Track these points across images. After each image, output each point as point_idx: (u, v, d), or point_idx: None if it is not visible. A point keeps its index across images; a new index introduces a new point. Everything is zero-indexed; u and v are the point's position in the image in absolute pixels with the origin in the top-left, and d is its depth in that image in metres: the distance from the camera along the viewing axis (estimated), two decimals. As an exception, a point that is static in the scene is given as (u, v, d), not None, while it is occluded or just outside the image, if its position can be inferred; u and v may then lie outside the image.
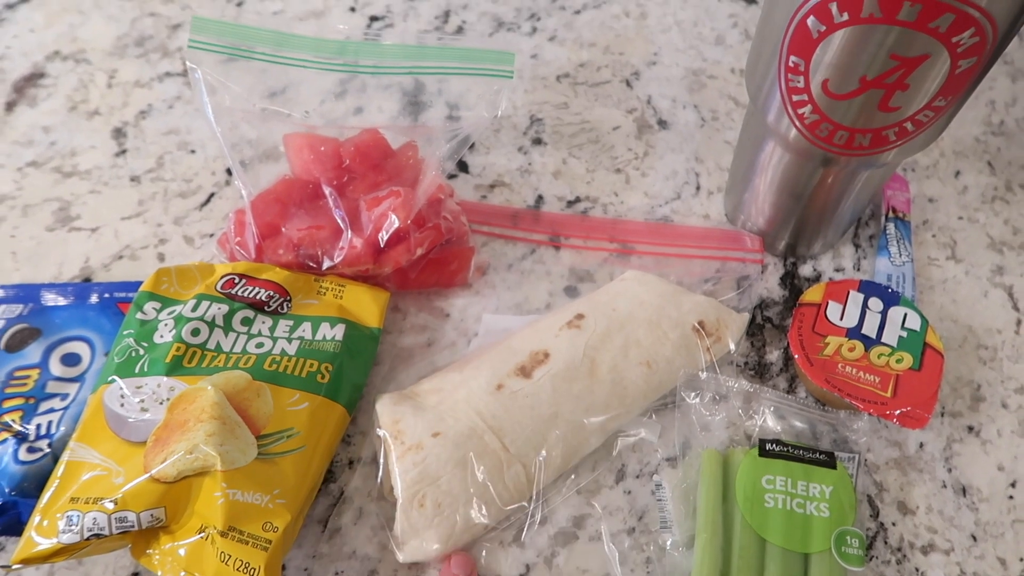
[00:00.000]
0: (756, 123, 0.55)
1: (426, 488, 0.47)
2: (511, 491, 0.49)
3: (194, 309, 0.51)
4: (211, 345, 0.50)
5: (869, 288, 0.57)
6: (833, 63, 0.44)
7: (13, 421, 0.49)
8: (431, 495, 0.47)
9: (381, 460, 0.50)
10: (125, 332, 0.50)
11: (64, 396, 0.51)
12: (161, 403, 0.46)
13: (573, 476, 0.52)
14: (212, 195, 0.65)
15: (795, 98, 0.48)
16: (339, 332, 0.53)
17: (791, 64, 0.46)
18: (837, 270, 0.63)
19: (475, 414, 0.50)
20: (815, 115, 0.47)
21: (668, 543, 0.48)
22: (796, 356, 0.54)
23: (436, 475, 0.47)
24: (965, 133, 0.71)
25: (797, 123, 0.49)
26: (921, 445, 0.54)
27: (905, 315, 0.55)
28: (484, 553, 0.49)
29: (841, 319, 0.55)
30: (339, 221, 0.56)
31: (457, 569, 0.47)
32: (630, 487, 0.52)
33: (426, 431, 0.49)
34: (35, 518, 0.43)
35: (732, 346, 0.55)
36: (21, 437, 0.49)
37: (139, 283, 0.54)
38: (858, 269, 0.63)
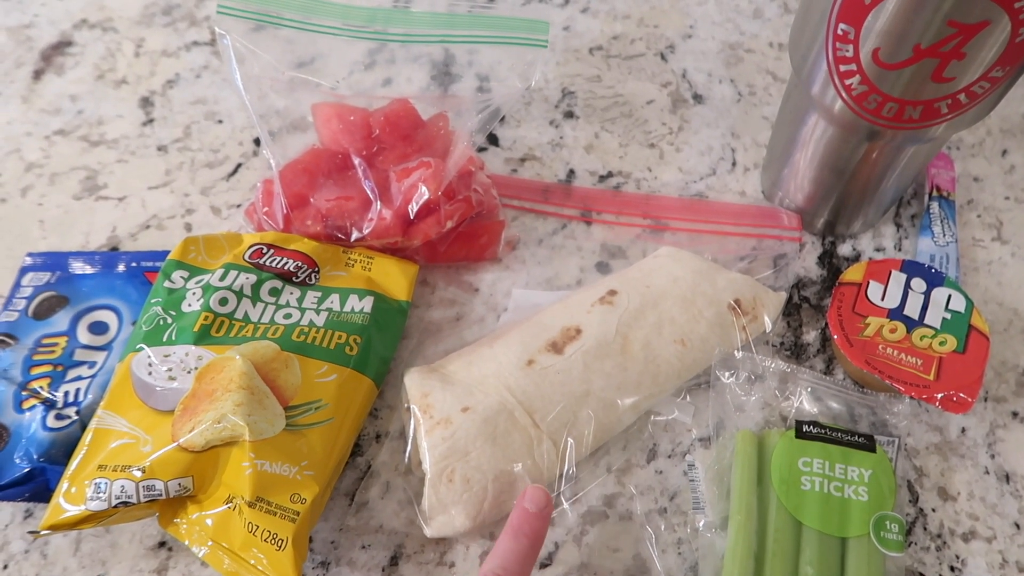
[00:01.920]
0: (799, 95, 0.53)
1: (455, 463, 0.46)
2: (541, 468, 0.48)
3: (222, 278, 0.50)
4: (239, 315, 0.50)
5: (912, 268, 0.55)
6: (885, 30, 0.42)
7: (41, 388, 0.49)
8: (460, 470, 0.46)
9: (409, 434, 0.49)
10: (153, 300, 0.50)
11: (92, 364, 0.51)
12: (189, 372, 0.46)
13: (604, 455, 0.51)
14: (239, 166, 0.65)
15: (843, 68, 0.46)
16: (367, 304, 0.52)
17: (840, 32, 0.44)
18: (877, 250, 0.61)
19: (505, 389, 0.49)
20: (863, 86, 0.46)
21: (701, 524, 0.47)
22: (835, 336, 0.52)
23: (465, 450, 0.46)
24: (1013, 111, 0.69)
25: (844, 94, 0.47)
26: (963, 430, 0.53)
27: (949, 296, 0.53)
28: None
29: (882, 299, 0.54)
30: (368, 192, 0.55)
31: (530, 503, 0.43)
32: (661, 467, 0.51)
33: (455, 406, 0.48)
34: (63, 485, 0.43)
35: (768, 325, 0.54)
36: (49, 404, 0.49)
37: (166, 252, 0.54)
38: (899, 249, 0.61)
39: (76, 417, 0.48)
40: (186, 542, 0.43)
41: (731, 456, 0.49)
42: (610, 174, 0.65)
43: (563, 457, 0.48)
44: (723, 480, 0.49)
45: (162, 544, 0.48)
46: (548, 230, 0.61)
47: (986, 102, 0.46)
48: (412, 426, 0.49)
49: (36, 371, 0.50)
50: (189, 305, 0.49)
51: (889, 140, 0.50)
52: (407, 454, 0.49)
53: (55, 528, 0.42)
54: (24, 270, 0.56)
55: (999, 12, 0.39)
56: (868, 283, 0.54)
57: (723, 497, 0.48)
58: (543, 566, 0.47)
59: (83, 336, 0.52)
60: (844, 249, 0.61)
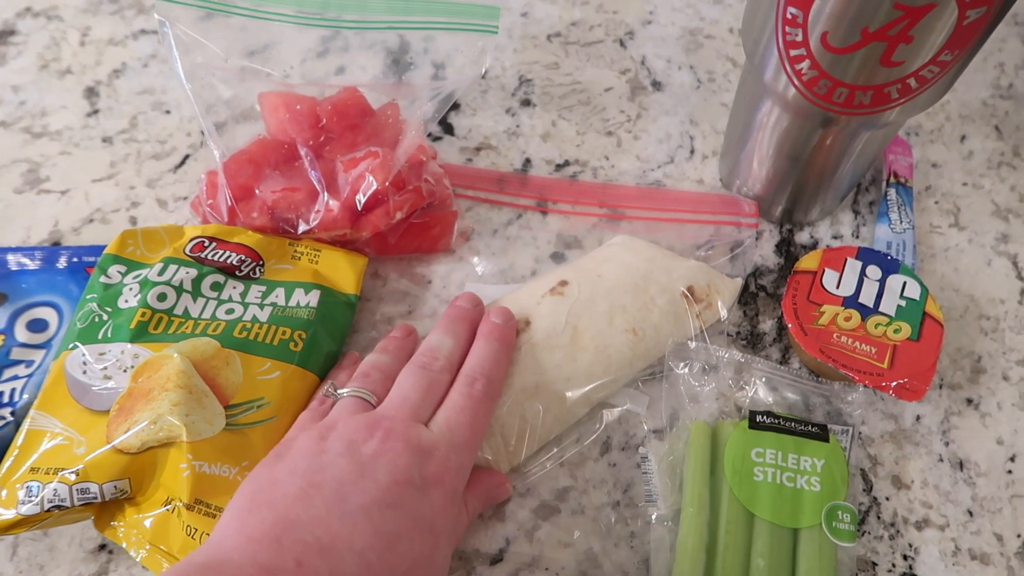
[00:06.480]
0: (753, 82, 0.52)
1: (402, 460, 0.45)
2: (491, 463, 0.47)
3: (161, 273, 0.49)
4: (178, 311, 0.48)
5: (868, 255, 0.54)
6: (833, 14, 0.41)
7: (-26, 388, 0.48)
8: (407, 467, 0.45)
9: (356, 431, 0.48)
10: (88, 296, 0.48)
11: (29, 363, 0.49)
12: (125, 371, 0.45)
13: (556, 448, 0.50)
14: (187, 157, 0.63)
15: (793, 53, 0.45)
16: (314, 298, 0.51)
17: (789, 16, 0.43)
18: (835, 237, 0.60)
19: (454, 384, 0.48)
20: (814, 71, 0.45)
21: (653, 517, 0.47)
22: (790, 325, 0.52)
23: (412, 446, 0.45)
24: (972, 96, 0.69)
25: (795, 80, 0.46)
26: (918, 418, 0.52)
27: (904, 283, 0.53)
28: (462, 527, 0.47)
29: (838, 287, 0.53)
30: (315, 183, 0.53)
31: (497, 317, 0.49)
32: (615, 460, 0.50)
33: (403, 401, 0.47)
34: (-6, 489, 0.42)
35: (723, 313, 0.53)
36: (-18, 405, 0.47)
37: (109, 247, 0.52)
38: (857, 236, 0.60)
39: (11, 418, 0.47)
40: (123, 545, 0.42)
41: (685, 447, 0.49)
42: (567, 163, 0.64)
43: (514, 451, 0.48)
44: (676, 472, 0.48)
45: (103, 547, 0.47)
46: (503, 220, 0.60)
47: (937, 87, 0.45)
48: (359, 422, 0.48)
49: (-30, 371, 0.49)
50: (126, 301, 0.48)
51: (843, 126, 0.50)
52: (355, 451, 0.48)
53: (-15, 533, 0.41)
54: (-40, 267, 0.54)
55: (945, -6, 0.38)
56: (823, 271, 0.54)
57: (676, 489, 0.47)
58: (493, 562, 0.47)
59: (21, 334, 0.51)
60: (802, 237, 0.60)
